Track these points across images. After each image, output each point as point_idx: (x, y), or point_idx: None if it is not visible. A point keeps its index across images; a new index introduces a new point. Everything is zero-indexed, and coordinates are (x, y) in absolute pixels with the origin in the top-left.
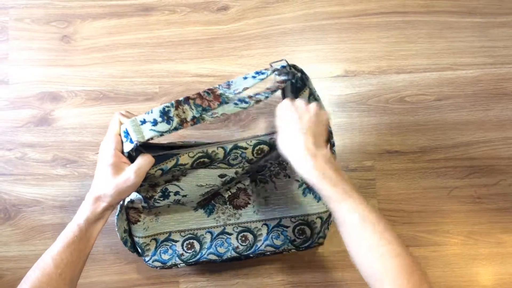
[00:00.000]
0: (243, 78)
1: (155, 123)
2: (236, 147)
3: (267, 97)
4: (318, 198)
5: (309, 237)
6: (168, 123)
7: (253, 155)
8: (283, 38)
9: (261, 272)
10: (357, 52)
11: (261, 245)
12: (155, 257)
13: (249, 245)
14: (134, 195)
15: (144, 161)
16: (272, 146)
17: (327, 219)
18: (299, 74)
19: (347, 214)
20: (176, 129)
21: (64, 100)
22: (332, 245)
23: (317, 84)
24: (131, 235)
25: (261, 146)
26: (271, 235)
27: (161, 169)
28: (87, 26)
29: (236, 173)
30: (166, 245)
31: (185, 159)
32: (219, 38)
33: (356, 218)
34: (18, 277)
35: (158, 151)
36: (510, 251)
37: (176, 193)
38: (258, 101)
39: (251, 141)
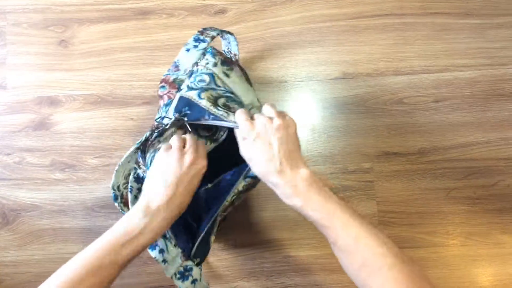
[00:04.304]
0: (186, 50)
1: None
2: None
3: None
4: None
5: None
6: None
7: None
8: (280, 41)
9: (261, 275)
10: (355, 54)
11: None
12: None
13: None
14: None
15: None
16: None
17: None
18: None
19: (337, 238)
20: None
21: (62, 105)
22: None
23: (315, 86)
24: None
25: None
26: None
27: None
28: (84, 30)
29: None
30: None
31: None
32: (217, 41)
33: (345, 242)
34: (17, 282)
35: None
36: (509, 251)
37: None
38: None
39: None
